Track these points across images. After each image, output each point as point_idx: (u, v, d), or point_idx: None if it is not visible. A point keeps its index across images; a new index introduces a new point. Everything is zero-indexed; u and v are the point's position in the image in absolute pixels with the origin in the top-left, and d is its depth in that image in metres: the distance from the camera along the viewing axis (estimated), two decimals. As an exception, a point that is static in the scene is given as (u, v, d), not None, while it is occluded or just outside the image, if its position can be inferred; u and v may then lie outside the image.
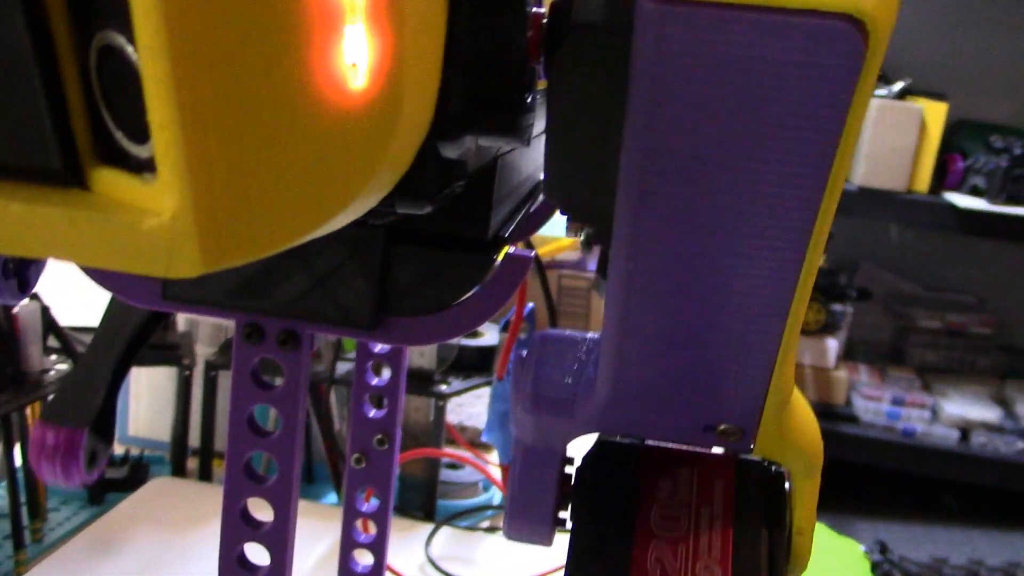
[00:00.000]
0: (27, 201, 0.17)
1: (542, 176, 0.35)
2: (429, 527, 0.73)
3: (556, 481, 0.31)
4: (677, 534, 0.30)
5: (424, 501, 0.76)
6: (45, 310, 0.68)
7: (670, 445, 0.31)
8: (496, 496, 0.79)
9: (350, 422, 0.48)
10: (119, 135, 0.17)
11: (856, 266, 1.80)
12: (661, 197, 0.23)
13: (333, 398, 0.79)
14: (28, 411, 0.69)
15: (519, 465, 0.31)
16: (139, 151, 0.17)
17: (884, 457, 1.61)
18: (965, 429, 1.60)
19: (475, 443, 0.88)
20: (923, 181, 1.55)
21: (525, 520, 0.31)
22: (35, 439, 0.39)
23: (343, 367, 0.77)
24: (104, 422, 0.39)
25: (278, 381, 0.33)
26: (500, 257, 0.32)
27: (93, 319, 0.81)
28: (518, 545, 0.32)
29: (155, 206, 0.16)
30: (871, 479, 1.68)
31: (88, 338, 0.75)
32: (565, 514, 0.31)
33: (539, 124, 0.25)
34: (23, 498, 0.70)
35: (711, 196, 0.22)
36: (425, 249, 0.31)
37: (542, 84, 0.23)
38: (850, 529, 1.55)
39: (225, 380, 0.78)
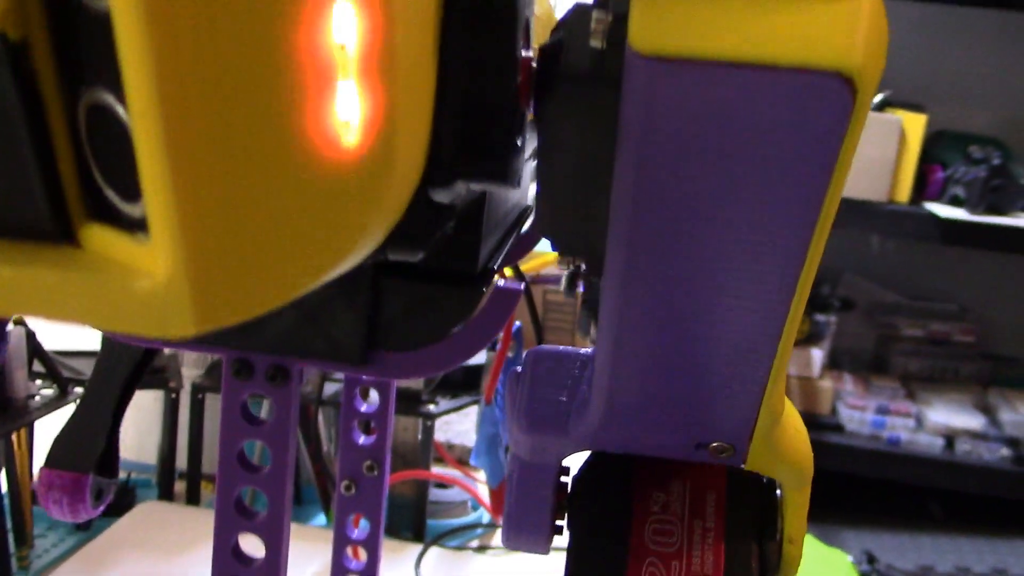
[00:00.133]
0: (18, 263, 0.17)
1: (531, 204, 0.35)
2: (418, 548, 0.73)
3: (552, 492, 0.31)
4: (671, 548, 0.30)
5: (413, 521, 0.76)
6: (30, 335, 0.68)
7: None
8: (485, 515, 0.79)
9: (339, 449, 0.48)
10: (110, 193, 0.17)
11: (839, 276, 1.81)
12: (652, 240, 0.23)
13: (321, 419, 0.79)
14: (14, 437, 0.68)
15: (515, 478, 0.31)
16: (130, 209, 0.17)
17: (870, 466, 1.62)
18: (949, 437, 1.61)
19: (463, 461, 0.88)
20: (904, 192, 1.56)
21: (522, 530, 0.32)
22: (43, 482, 0.40)
23: (331, 388, 0.77)
24: (107, 461, 0.40)
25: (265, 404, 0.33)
26: (489, 289, 0.32)
27: (79, 344, 0.81)
28: (508, 564, 0.33)
29: (148, 267, 0.16)
30: (857, 488, 1.69)
31: (74, 363, 0.74)
32: (561, 521, 0.32)
33: (528, 147, 0.25)
34: (9, 524, 0.69)
35: (701, 240, 0.23)
36: (414, 283, 0.31)
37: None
38: (837, 539, 1.55)
39: (212, 402, 0.78)
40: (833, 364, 1.73)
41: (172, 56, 0.14)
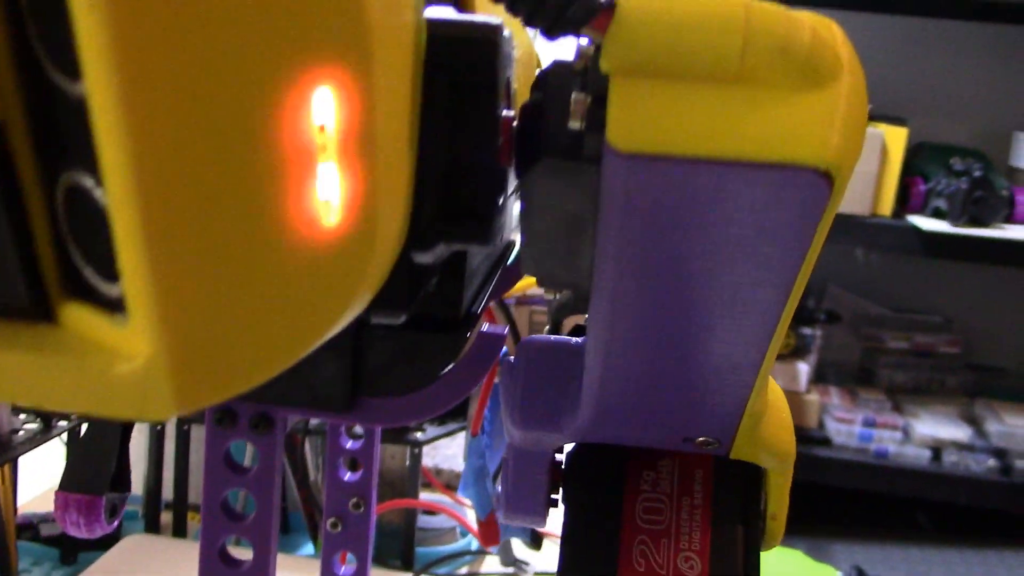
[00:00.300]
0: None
1: (515, 238, 0.35)
2: (407, 577, 0.73)
3: (547, 473, 0.33)
4: (660, 527, 0.31)
5: (401, 549, 0.76)
6: (12, 371, 0.67)
7: None
8: (474, 541, 0.79)
9: (325, 486, 0.48)
10: (88, 272, 0.17)
11: (824, 289, 1.82)
12: (635, 290, 0.23)
13: (307, 448, 0.78)
14: (-3, 473, 0.68)
15: (511, 464, 0.33)
16: (109, 289, 0.17)
17: (858, 479, 1.62)
18: (936, 449, 1.61)
19: (451, 486, 0.88)
20: (886, 205, 1.57)
21: (520, 508, 0.33)
22: (58, 505, 0.41)
23: (316, 417, 0.77)
24: (119, 478, 0.42)
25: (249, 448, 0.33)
26: (473, 334, 0.32)
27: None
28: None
29: (127, 350, 0.16)
30: (846, 502, 1.69)
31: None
32: (557, 495, 0.33)
33: (511, 187, 0.25)
34: (-7, 562, 0.69)
35: (683, 294, 0.23)
36: (397, 330, 0.31)
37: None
38: (827, 553, 1.55)
39: (198, 433, 0.77)
40: (819, 377, 1.74)
41: (149, 144, 0.14)
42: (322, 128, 0.16)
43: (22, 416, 0.70)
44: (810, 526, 1.58)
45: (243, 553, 0.34)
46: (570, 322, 0.36)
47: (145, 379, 0.16)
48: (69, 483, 0.42)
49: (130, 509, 0.83)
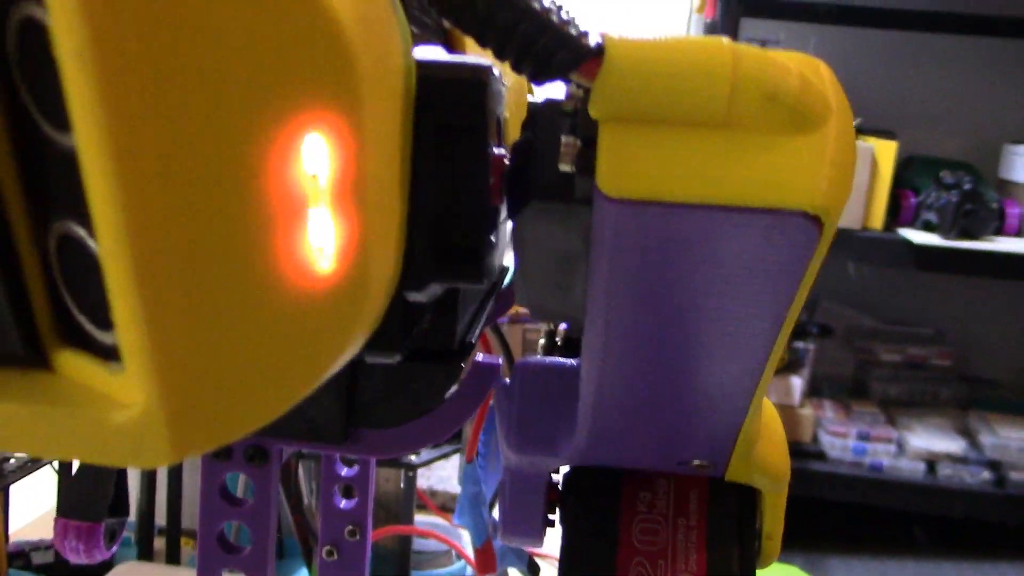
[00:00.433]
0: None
1: (508, 264, 0.36)
2: (403, 601, 0.73)
3: (544, 495, 0.33)
4: (657, 547, 0.32)
5: (397, 573, 0.76)
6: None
7: None
8: (469, 567, 0.79)
9: (320, 514, 0.48)
10: (82, 319, 0.17)
11: (816, 303, 1.82)
12: (627, 322, 0.23)
13: (301, 472, 0.78)
14: (-12, 502, 0.67)
15: (508, 485, 0.33)
16: (103, 337, 0.17)
17: (853, 493, 1.62)
18: (931, 461, 1.61)
19: (446, 508, 0.88)
20: (877, 218, 1.58)
21: (518, 529, 0.34)
22: (58, 531, 0.42)
23: (310, 441, 0.76)
24: (118, 503, 0.42)
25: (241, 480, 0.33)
26: (468, 364, 0.32)
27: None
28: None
29: (123, 398, 0.16)
30: (841, 516, 1.69)
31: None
32: (554, 516, 0.34)
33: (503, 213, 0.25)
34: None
35: (674, 325, 0.23)
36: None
37: None
38: (823, 567, 1.55)
39: (191, 458, 0.77)
40: (813, 391, 1.74)
41: (139, 198, 0.14)
42: (313, 175, 0.16)
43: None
44: (806, 541, 1.58)
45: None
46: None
47: (141, 428, 0.16)
48: (67, 509, 0.42)
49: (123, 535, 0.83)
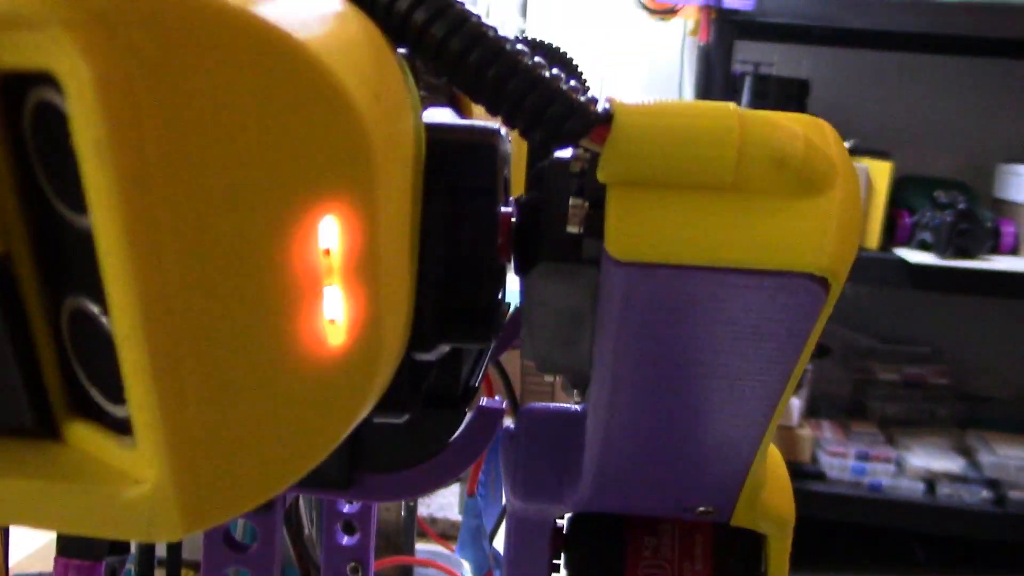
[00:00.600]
0: (3, 474, 0.17)
1: (510, 302, 0.36)
2: (404, 633, 0.72)
3: (548, 539, 0.33)
4: None
5: (398, 604, 0.75)
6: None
7: None
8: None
9: (322, 550, 0.48)
10: (94, 392, 0.17)
11: (813, 322, 1.82)
12: (634, 376, 0.23)
13: (302, 502, 0.78)
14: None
15: (513, 530, 0.33)
16: (115, 410, 0.17)
17: (852, 513, 1.61)
18: (930, 481, 1.61)
19: (446, 535, 0.87)
20: (873, 238, 1.58)
21: (522, 575, 0.33)
22: (58, 570, 0.41)
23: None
24: (118, 541, 0.42)
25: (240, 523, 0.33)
26: (471, 409, 0.32)
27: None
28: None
29: (135, 473, 0.16)
30: (842, 536, 1.68)
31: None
32: (558, 561, 0.33)
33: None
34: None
35: (681, 380, 0.23)
36: (396, 407, 0.31)
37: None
38: (824, 588, 1.55)
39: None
40: (811, 412, 1.74)
41: (155, 283, 0.14)
42: (327, 254, 0.16)
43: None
44: (806, 561, 1.57)
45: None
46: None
47: (154, 503, 0.16)
48: (68, 548, 0.42)
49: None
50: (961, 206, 1.57)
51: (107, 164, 0.13)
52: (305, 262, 0.16)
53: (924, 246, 1.59)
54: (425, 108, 0.20)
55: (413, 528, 0.76)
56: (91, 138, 0.13)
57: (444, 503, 0.92)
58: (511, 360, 0.89)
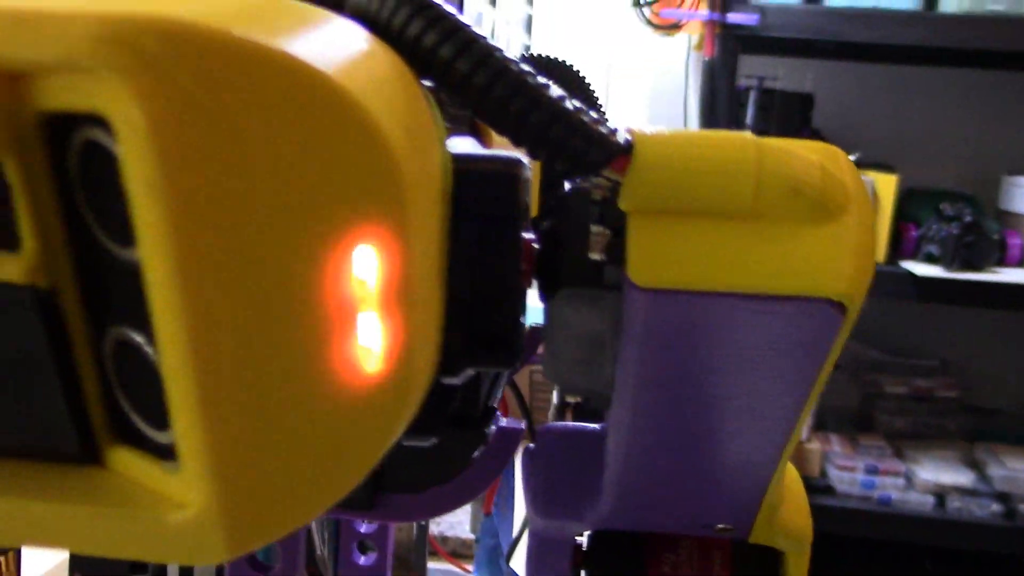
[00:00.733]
0: (48, 497, 0.17)
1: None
2: (418, 650, 0.72)
3: (569, 557, 0.33)
4: None
5: (411, 621, 0.76)
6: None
7: None
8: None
9: (338, 570, 0.48)
10: (136, 419, 0.18)
11: (821, 336, 1.82)
12: (655, 400, 0.24)
13: (313, 522, 0.78)
14: (1, 560, 0.67)
15: (534, 548, 0.33)
16: (158, 436, 0.18)
17: (862, 527, 1.61)
18: (940, 494, 1.61)
19: (457, 554, 0.88)
20: (879, 251, 1.59)
21: None
22: None
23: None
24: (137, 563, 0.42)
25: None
26: (491, 429, 0.32)
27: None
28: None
29: (179, 498, 0.17)
30: (851, 550, 1.68)
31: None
32: None
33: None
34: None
35: (701, 403, 0.24)
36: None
37: None
38: (834, 603, 1.54)
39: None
40: (819, 425, 1.74)
41: (204, 313, 0.15)
42: (363, 282, 0.16)
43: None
44: (817, 576, 1.57)
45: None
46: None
47: (198, 528, 0.16)
48: (83, 568, 0.42)
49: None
50: (967, 218, 1.57)
51: (158, 204, 0.14)
52: (341, 291, 0.16)
53: (931, 259, 1.60)
54: (449, 137, 0.21)
55: (425, 547, 0.76)
56: (142, 179, 0.14)
57: (455, 521, 0.92)
58: (519, 376, 0.89)
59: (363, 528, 0.47)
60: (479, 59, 0.18)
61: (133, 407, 0.18)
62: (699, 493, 0.28)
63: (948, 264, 1.56)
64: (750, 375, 0.22)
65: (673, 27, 1.72)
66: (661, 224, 0.19)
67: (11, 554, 0.68)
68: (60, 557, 0.93)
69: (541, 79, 0.19)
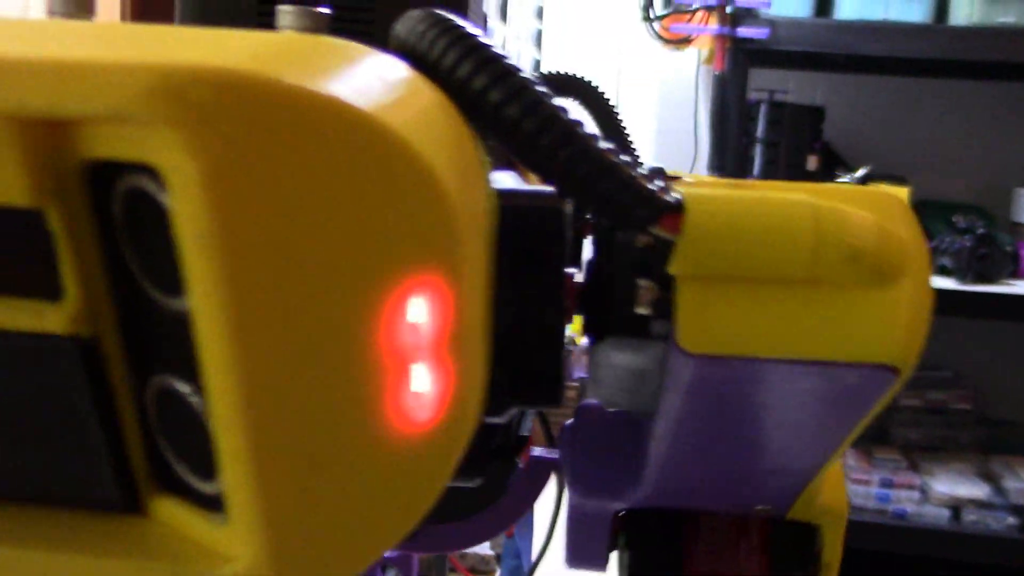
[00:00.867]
0: (92, 552, 0.17)
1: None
2: (437, 672, 0.72)
3: (608, 529, 0.33)
4: (721, 571, 0.32)
5: (429, 643, 0.75)
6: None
7: None
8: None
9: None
10: (180, 469, 0.18)
11: (833, 348, 1.81)
12: (696, 438, 0.23)
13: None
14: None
15: (574, 518, 0.33)
16: (203, 486, 0.17)
17: (877, 540, 1.60)
18: (955, 507, 1.60)
19: (476, 570, 0.87)
20: (893, 264, 1.58)
21: (582, 556, 0.34)
22: None
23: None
24: None
25: None
26: (524, 460, 0.32)
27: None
28: None
29: (227, 550, 0.16)
30: (866, 563, 1.67)
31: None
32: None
33: None
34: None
35: (744, 435, 0.23)
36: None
37: None
38: (850, 618, 1.53)
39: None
40: (834, 438, 1.73)
41: (257, 365, 0.14)
42: (416, 331, 0.16)
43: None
44: (832, 591, 1.56)
45: None
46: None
47: (247, 580, 0.16)
48: None
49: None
50: (980, 231, 1.56)
51: (210, 255, 0.13)
52: (394, 340, 0.16)
53: (944, 271, 1.59)
54: (491, 172, 0.21)
55: (445, 564, 0.75)
56: (194, 230, 0.13)
57: (472, 539, 0.91)
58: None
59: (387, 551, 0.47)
60: (528, 106, 0.18)
61: (177, 457, 0.17)
62: (742, 484, 0.28)
63: (961, 276, 1.55)
64: (795, 426, 0.21)
65: (683, 41, 1.72)
66: (712, 290, 0.19)
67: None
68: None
69: (590, 129, 0.19)
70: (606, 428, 0.32)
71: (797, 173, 1.60)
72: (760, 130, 1.64)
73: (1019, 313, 1.56)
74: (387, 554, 0.47)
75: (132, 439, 0.17)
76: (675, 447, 0.25)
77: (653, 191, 0.18)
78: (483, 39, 0.19)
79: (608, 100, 0.39)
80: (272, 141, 0.13)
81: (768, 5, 1.57)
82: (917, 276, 0.19)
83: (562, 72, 0.40)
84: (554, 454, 0.32)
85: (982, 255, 1.55)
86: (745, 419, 0.21)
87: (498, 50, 0.19)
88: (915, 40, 1.63)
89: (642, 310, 0.20)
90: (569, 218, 0.21)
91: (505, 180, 0.21)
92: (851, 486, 1.63)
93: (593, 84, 0.38)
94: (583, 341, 0.25)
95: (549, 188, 0.21)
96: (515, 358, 0.21)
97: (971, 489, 1.60)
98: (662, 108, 1.92)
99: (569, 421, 0.33)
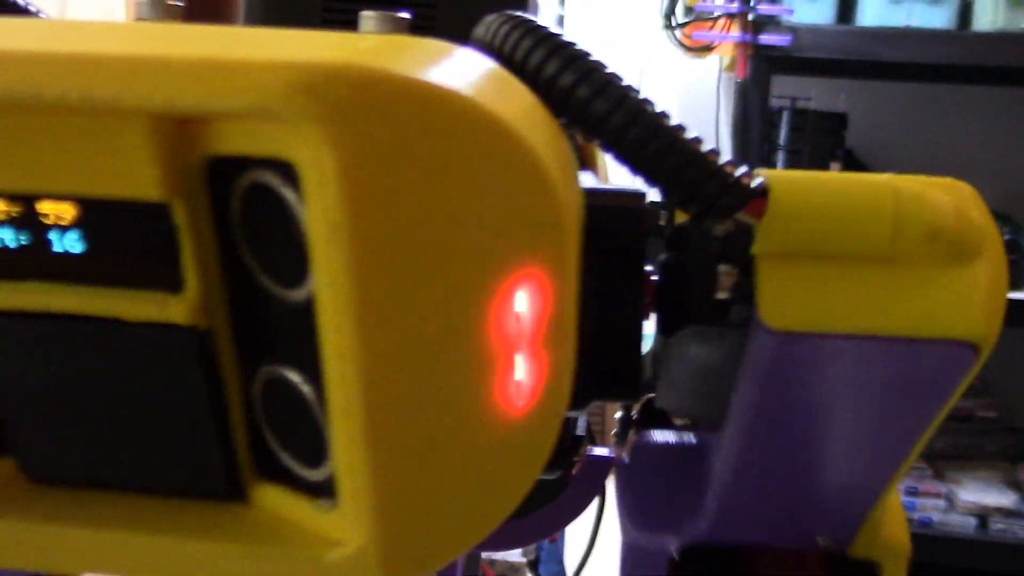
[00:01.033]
0: (199, 537, 0.17)
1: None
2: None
3: (664, 566, 0.32)
4: None
5: (464, 647, 0.75)
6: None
7: None
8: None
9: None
10: (285, 456, 0.18)
11: (857, 356, 1.81)
12: (768, 430, 0.24)
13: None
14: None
15: (628, 559, 0.33)
16: (309, 474, 0.18)
17: (903, 549, 1.59)
18: (982, 516, 1.59)
19: (506, 577, 0.87)
20: (917, 271, 1.57)
21: None
22: None
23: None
24: None
25: None
26: (580, 459, 0.32)
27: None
28: None
29: (334, 535, 0.17)
30: (892, 572, 1.66)
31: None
32: None
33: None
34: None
35: (814, 438, 0.23)
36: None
37: None
38: (877, 627, 1.52)
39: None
40: (858, 446, 1.72)
41: (378, 355, 0.15)
42: (521, 321, 0.17)
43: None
44: (858, 600, 1.55)
45: None
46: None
47: (355, 565, 0.16)
48: None
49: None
50: (1005, 237, 1.56)
51: (340, 246, 0.14)
52: (503, 329, 0.16)
53: (969, 278, 1.58)
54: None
55: (478, 569, 0.76)
56: (328, 222, 0.14)
57: (503, 544, 0.92)
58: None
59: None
60: (616, 100, 0.19)
61: (281, 444, 0.18)
62: (804, 511, 0.28)
63: (987, 283, 1.54)
64: (873, 408, 0.22)
65: (705, 49, 1.72)
66: (794, 267, 0.19)
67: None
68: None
69: (675, 120, 0.19)
70: (662, 463, 0.33)
71: (820, 180, 1.59)
72: (782, 137, 1.65)
73: (1045, 320, 1.55)
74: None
75: (237, 428, 0.18)
76: (743, 457, 0.25)
77: (739, 178, 0.19)
78: (565, 36, 0.20)
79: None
80: (402, 135, 0.14)
81: (790, 12, 1.58)
82: (993, 257, 0.19)
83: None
84: (609, 453, 0.33)
85: (1009, 262, 1.54)
86: (821, 412, 0.22)
87: (580, 46, 0.20)
88: (938, 46, 1.63)
89: (723, 295, 0.21)
90: (653, 217, 0.21)
91: (586, 179, 0.21)
92: (876, 494, 1.62)
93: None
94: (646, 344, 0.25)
95: (631, 188, 0.21)
96: (597, 353, 0.21)
97: (998, 497, 1.59)
98: (683, 116, 1.92)
99: (624, 455, 0.33)
